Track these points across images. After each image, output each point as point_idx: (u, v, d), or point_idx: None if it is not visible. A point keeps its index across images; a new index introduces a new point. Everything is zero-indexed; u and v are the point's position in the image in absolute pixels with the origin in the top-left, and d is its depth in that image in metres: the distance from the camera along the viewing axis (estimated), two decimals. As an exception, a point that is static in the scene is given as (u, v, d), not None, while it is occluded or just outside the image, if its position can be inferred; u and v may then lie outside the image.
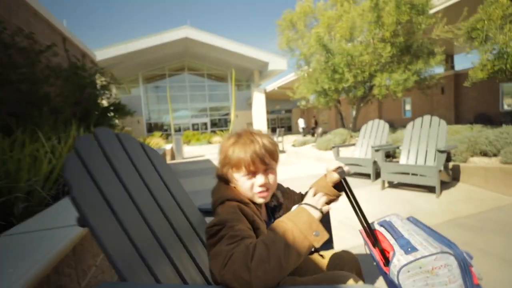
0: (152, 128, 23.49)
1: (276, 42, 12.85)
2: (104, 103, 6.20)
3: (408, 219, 0.92)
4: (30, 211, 1.62)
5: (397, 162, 4.33)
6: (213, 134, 19.93)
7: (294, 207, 0.69)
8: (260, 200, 0.81)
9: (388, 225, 0.87)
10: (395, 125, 11.24)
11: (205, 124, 25.27)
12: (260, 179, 0.79)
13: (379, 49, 7.55)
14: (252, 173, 0.79)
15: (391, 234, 0.81)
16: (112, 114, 5.89)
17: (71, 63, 5.08)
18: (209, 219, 0.82)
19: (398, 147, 4.26)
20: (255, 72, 21.03)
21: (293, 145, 10.23)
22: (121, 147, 1.07)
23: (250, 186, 0.79)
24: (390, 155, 5.26)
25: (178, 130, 23.60)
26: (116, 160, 0.96)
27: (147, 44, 17.32)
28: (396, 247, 0.74)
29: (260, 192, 0.80)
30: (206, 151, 12.43)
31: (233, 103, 12.38)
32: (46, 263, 0.90)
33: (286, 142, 12.52)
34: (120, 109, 6.12)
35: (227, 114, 25.79)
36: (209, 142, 17.57)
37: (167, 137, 19.03)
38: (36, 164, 1.89)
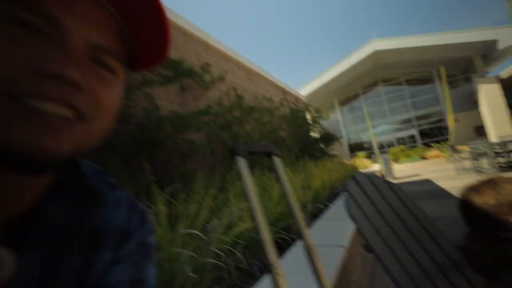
0: (353, 148, 23.97)
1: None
2: (314, 134, 7.28)
3: None
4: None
5: None
6: (427, 148, 16.76)
7: None
8: None
9: None
10: None
11: (412, 136, 22.04)
12: None
13: None
14: None
15: None
16: (322, 143, 6.78)
17: (291, 110, 6.56)
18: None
19: None
20: (474, 58, 16.09)
21: None
22: (372, 186, 1.30)
23: None
24: None
25: (381, 147, 22.39)
26: (374, 197, 1.18)
27: (337, 71, 18.68)
28: None
29: None
30: (421, 168, 10.78)
31: (448, 105, 10.15)
32: (334, 276, 1.25)
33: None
34: (329, 138, 6.92)
35: (441, 120, 21.13)
36: (423, 158, 14.90)
37: (370, 156, 18.61)
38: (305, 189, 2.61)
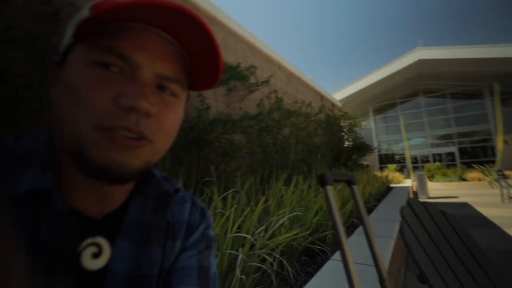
0: (383, 159, 22.98)
1: None
2: (347, 143, 7.12)
3: None
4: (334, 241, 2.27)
5: None
6: (467, 168, 15.40)
7: None
8: None
9: None
10: None
11: (451, 154, 20.52)
12: None
13: None
14: None
15: None
16: (356, 153, 6.61)
17: (327, 115, 6.47)
18: None
19: None
20: (535, 76, 14.65)
21: None
22: (427, 214, 1.29)
23: None
24: None
25: (414, 161, 21.22)
26: (429, 226, 1.18)
27: (376, 78, 17.95)
28: None
29: None
30: (459, 190, 10.09)
31: (498, 125, 9.35)
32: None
33: None
34: (363, 148, 6.73)
35: (486, 140, 19.45)
36: (462, 179, 13.65)
37: (401, 169, 17.70)
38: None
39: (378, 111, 24.18)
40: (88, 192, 0.33)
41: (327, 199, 0.69)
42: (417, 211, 1.25)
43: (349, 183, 0.78)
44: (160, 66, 0.31)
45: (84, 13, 0.32)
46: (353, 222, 2.89)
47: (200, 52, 0.33)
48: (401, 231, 1.10)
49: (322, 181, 0.68)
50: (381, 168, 18.26)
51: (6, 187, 0.28)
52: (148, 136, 0.30)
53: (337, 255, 1.87)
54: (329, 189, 0.68)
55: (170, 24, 0.30)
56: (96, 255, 0.33)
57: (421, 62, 16.73)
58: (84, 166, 0.29)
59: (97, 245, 0.34)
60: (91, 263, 0.33)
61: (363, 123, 24.89)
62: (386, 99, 23.10)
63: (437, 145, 21.15)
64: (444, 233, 1.24)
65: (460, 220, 1.36)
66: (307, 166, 4.01)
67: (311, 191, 2.69)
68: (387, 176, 6.83)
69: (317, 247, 2.13)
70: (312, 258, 2.14)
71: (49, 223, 0.30)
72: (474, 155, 19.66)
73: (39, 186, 0.29)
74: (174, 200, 0.42)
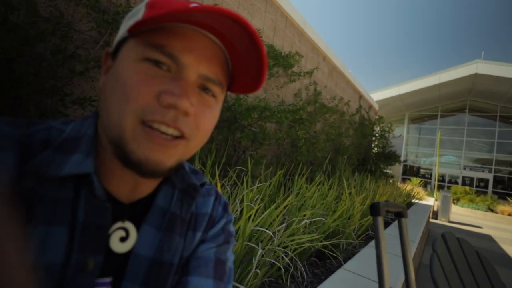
0: (407, 171, 22.01)
1: None
2: (376, 149, 6.83)
3: None
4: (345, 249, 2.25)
5: None
6: (499, 200, 14.32)
7: None
8: None
9: None
10: None
11: (484, 180, 19.15)
12: None
13: None
14: None
15: None
16: (383, 161, 6.35)
17: (361, 117, 6.20)
18: None
19: None
20: None
21: None
22: (460, 250, 1.21)
23: None
24: None
25: (441, 179, 20.11)
26: (459, 263, 1.11)
27: (422, 84, 16.75)
28: None
29: None
30: (484, 221, 9.50)
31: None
32: None
33: None
34: (391, 157, 6.44)
35: (527, 173, 17.85)
36: (490, 209, 12.44)
37: (425, 185, 16.90)
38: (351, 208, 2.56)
39: (415, 120, 22.84)
40: (123, 179, 0.35)
41: (376, 230, 0.65)
42: (450, 246, 1.18)
43: (399, 215, 0.73)
44: (205, 68, 0.32)
45: (141, 9, 0.34)
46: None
47: (246, 59, 0.34)
48: (430, 264, 1.05)
49: (375, 211, 0.65)
50: (404, 180, 17.52)
51: (58, 166, 0.31)
52: (185, 133, 0.32)
53: (349, 264, 1.85)
54: (380, 220, 0.64)
55: (221, 29, 0.31)
56: (123, 239, 0.35)
57: (477, 77, 15.32)
58: (121, 157, 0.31)
59: (125, 230, 0.36)
60: (118, 246, 0.35)
61: (395, 130, 23.68)
62: (427, 109, 21.66)
63: (470, 168, 19.79)
64: (475, 276, 1.17)
65: (493, 266, 1.28)
66: (331, 166, 3.92)
67: (332, 191, 2.64)
68: (411, 191, 6.54)
69: (329, 252, 2.11)
70: (321, 260, 2.14)
71: (87, 205, 0.32)
72: (510, 186, 18.21)
73: (81, 170, 0.31)
74: (200, 191, 0.43)
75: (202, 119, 0.34)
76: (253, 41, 0.31)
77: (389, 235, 2.81)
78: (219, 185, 1.34)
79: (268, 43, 3.02)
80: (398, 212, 0.74)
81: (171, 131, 0.31)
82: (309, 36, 4.05)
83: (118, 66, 0.32)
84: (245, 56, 0.34)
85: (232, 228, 0.48)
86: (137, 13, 0.34)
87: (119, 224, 0.35)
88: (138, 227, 0.37)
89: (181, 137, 0.32)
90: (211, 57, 0.33)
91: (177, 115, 0.31)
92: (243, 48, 0.33)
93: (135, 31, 0.31)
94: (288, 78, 3.41)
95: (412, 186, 9.48)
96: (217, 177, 1.46)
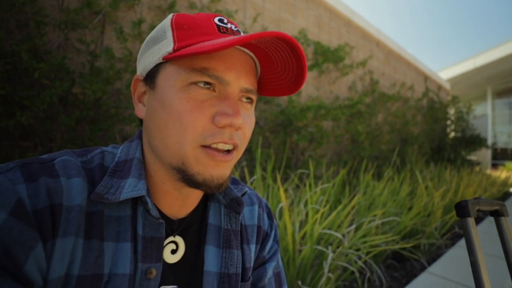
0: (497, 155, 18.55)
1: None
2: (453, 134, 5.97)
3: None
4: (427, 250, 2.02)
5: None
6: None
7: None
8: None
9: None
10: None
11: None
12: None
13: None
14: None
15: None
16: (464, 147, 5.50)
17: (429, 99, 5.50)
18: None
19: None
20: None
21: None
22: None
23: None
24: None
25: (547, 162, 16.35)
26: None
27: (504, 52, 13.96)
28: None
29: None
30: None
31: None
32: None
33: None
34: (473, 141, 5.55)
35: None
36: None
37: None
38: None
39: (500, 94, 19.21)
40: (174, 197, 0.39)
41: (467, 234, 0.58)
42: None
43: (496, 213, 0.64)
44: (244, 81, 0.35)
45: (167, 31, 0.35)
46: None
47: (289, 69, 0.36)
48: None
49: (462, 211, 0.57)
50: (494, 166, 14.87)
51: (116, 190, 0.35)
52: (237, 145, 0.35)
53: (434, 267, 1.66)
54: (470, 221, 0.57)
55: (264, 47, 0.34)
56: (173, 251, 0.40)
57: None
58: (187, 179, 0.34)
59: (175, 243, 0.40)
60: (169, 257, 0.39)
61: (476, 109, 20.32)
62: (516, 79, 18.00)
63: None
64: None
65: None
66: (400, 158, 3.57)
67: (403, 187, 2.40)
68: (508, 178, 5.49)
69: (409, 253, 1.92)
70: (400, 263, 1.96)
71: (144, 221, 0.36)
72: None
73: (136, 194, 0.34)
74: (244, 204, 0.45)
75: (247, 128, 0.37)
76: (294, 51, 0.33)
77: (483, 233, 2.42)
78: (282, 189, 1.35)
79: (314, 40, 2.94)
80: (495, 211, 0.64)
81: (227, 146, 0.34)
82: (357, 24, 3.80)
83: (163, 95, 0.34)
84: (283, 62, 0.36)
85: (278, 232, 0.52)
86: (163, 36, 0.35)
87: (171, 238, 0.39)
88: (185, 240, 0.41)
89: (233, 149, 0.35)
90: (248, 70, 0.36)
91: (232, 132, 0.33)
92: (281, 57, 0.35)
93: (171, 58, 0.33)
94: (340, 72, 3.26)
95: (508, 173, 7.92)
96: (278, 181, 1.48)
